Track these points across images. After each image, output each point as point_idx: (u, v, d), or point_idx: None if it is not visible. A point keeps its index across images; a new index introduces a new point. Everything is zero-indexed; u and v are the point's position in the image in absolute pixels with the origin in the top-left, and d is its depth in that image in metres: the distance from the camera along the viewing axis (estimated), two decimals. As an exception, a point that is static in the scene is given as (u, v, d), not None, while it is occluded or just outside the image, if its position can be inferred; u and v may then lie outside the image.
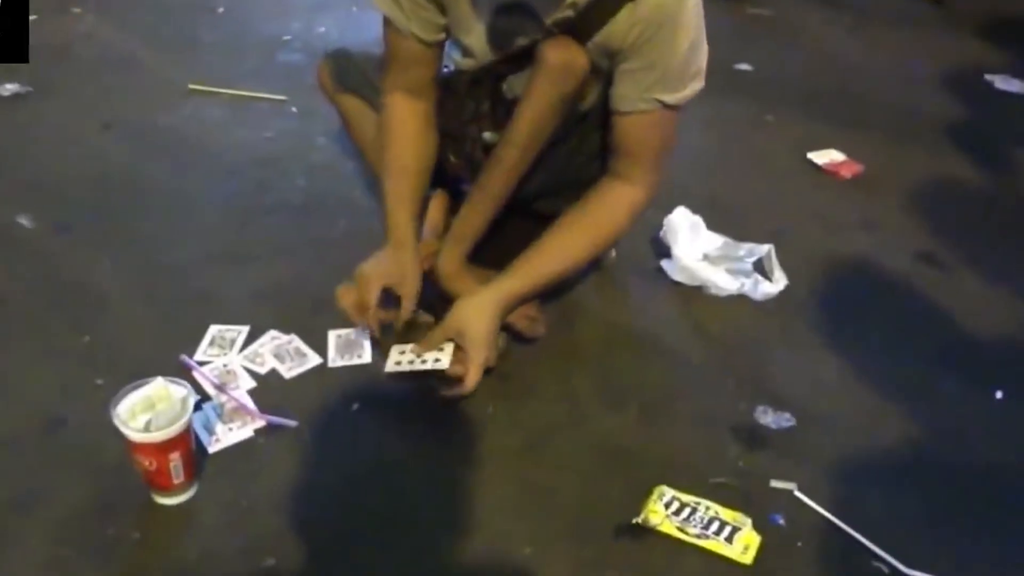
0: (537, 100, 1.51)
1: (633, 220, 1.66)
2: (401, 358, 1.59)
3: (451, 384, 1.56)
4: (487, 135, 1.65)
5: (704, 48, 1.52)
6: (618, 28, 1.45)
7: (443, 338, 1.57)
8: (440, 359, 1.55)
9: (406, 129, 1.65)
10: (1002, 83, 2.96)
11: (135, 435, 1.31)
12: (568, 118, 1.56)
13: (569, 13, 1.46)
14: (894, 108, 2.80)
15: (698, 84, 1.53)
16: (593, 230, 1.64)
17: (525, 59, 1.52)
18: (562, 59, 1.47)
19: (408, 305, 1.62)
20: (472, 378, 1.53)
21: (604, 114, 1.57)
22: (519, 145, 1.55)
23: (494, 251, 1.68)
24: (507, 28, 1.53)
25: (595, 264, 1.91)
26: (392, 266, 1.62)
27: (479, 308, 1.57)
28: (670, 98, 1.51)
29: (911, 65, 3.08)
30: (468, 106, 1.65)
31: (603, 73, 1.54)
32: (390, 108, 1.66)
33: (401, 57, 1.62)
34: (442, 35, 1.60)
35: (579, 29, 1.47)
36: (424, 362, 1.56)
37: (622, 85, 1.52)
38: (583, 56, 1.48)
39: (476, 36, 1.57)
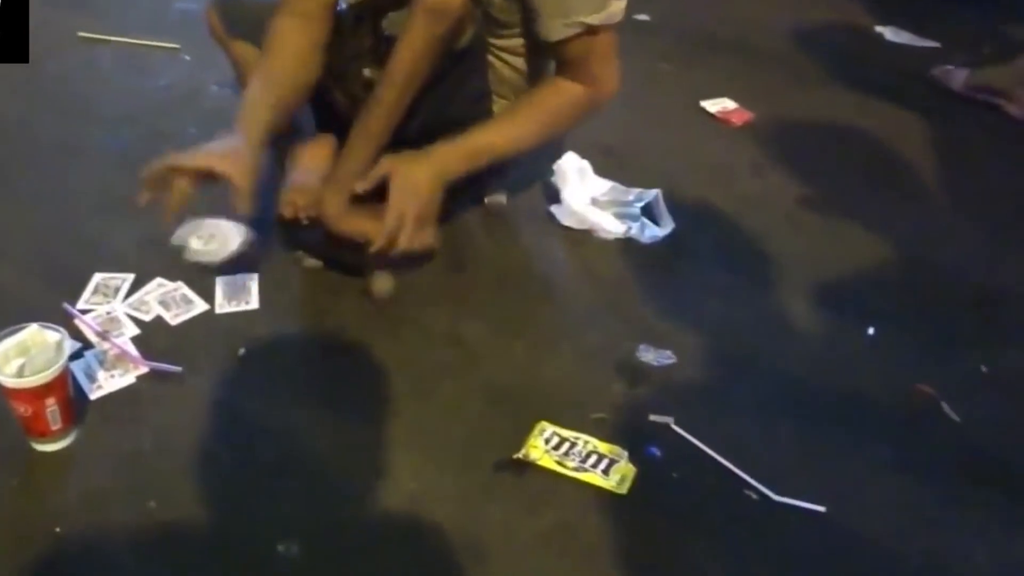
0: (412, 39, 1.49)
1: (576, 114, 1.69)
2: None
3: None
4: (367, 72, 1.63)
5: None
6: None
7: (375, 180, 1.57)
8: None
9: (286, 46, 1.63)
10: (892, 35, 3.03)
11: (8, 380, 1.30)
12: (444, 57, 1.54)
13: None
14: (787, 59, 2.86)
15: (620, 3, 1.55)
16: (536, 112, 1.66)
17: None
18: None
19: (240, 203, 1.48)
20: (391, 222, 1.53)
21: (481, 57, 1.58)
22: (396, 84, 1.53)
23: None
24: None
25: (486, 209, 1.94)
26: (225, 148, 1.51)
27: (412, 158, 1.58)
28: (594, 19, 1.54)
29: (805, 16, 3.14)
30: (350, 43, 1.63)
31: (479, 14, 1.54)
32: (275, 28, 1.64)
33: None
34: None
35: None
36: None
37: (543, 17, 1.55)
38: None
39: None
